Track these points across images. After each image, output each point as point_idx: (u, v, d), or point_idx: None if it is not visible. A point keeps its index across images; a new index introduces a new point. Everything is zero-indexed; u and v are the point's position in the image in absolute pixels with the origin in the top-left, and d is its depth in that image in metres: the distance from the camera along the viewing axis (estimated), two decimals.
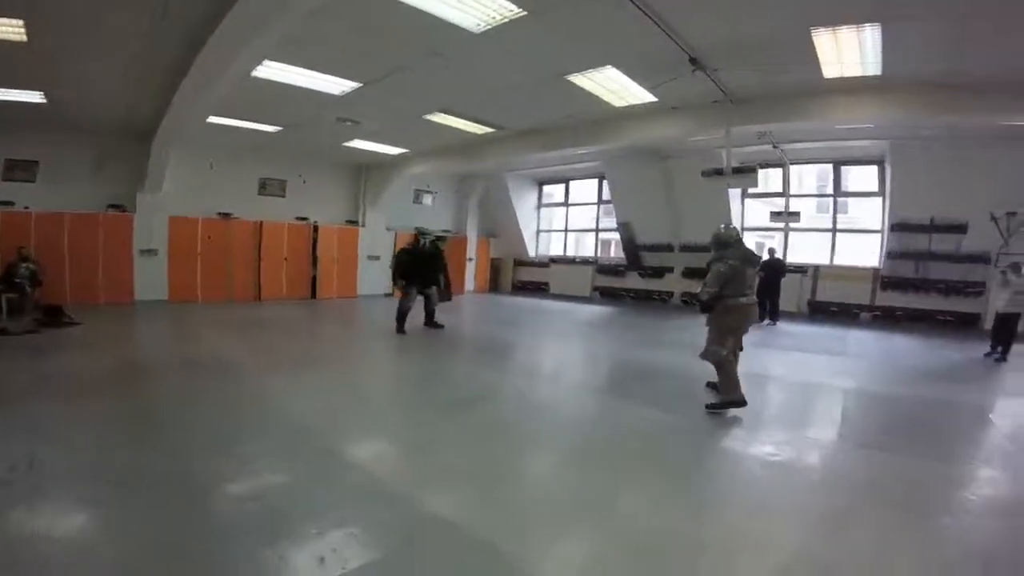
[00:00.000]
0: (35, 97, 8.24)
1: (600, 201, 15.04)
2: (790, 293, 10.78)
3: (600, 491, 2.96)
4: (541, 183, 16.65)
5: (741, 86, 7.50)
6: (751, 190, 11.45)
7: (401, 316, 8.19)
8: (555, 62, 7.22)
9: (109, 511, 2.50)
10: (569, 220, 16.47)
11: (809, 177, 11.80)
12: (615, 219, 14.05)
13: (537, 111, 9.39)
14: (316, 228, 13.34)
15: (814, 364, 6.94)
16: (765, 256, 10.40)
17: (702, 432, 4.11)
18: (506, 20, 6.00)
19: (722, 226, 4.88)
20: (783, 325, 9.93)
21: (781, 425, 4.38)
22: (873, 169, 10.86)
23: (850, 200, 12.53)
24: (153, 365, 6.00)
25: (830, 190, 11.88)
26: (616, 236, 14.49)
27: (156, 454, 3.24)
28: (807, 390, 5.74)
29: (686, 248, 12.70)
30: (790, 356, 7.46)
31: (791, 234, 11.65)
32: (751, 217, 12.50)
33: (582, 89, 8.02)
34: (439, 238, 9.11)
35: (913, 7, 5.08)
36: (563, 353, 8.00)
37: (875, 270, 10.55)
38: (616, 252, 15.34)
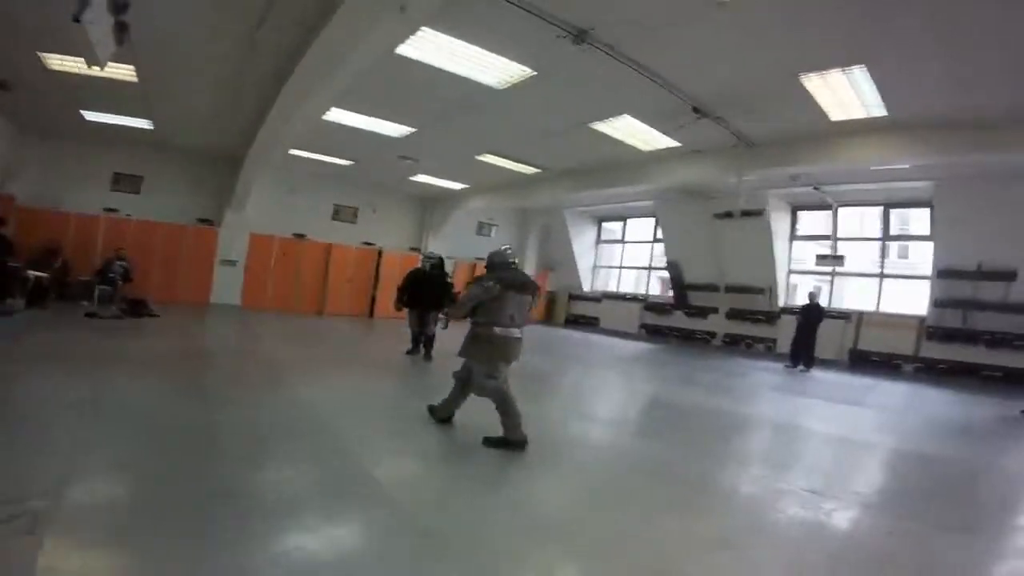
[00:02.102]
0: (144, 124, 10.06)
1: (654, 240, 15.28)
2: (830, 340, 10.47)
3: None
4: (601, 220, 17.13)
5: (753, 131, 7.78)
6: (799, 232, 11.38)
7: (414, 338, 8.15)
8: (575, 112, 7.93)
9: (144, 436, 3.47)
10: (625, 257, 16.79)
11: (873, 220, 11.34)
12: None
13: (572, 154, 10.10)
14: (380, 253, 14.44)
15: (826, 413, 6.68)
16: (804, 300, 10.28)
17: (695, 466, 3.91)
18: (521, 79, 6.84)
19: (502, 247, 4.41)
20: (817, 372, 9.68)
21: (779, 472, 4.06)
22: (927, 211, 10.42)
23: (911, 244, 11.91)
24: (207, 351, 7.28)
25: (893, 232, 11.41)
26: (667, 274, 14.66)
27: (187, 405, 4.31)
28: (808, 439, 5.40)
29: (731, 289, 12.63)
30: (804, 403, 7.24)
31: (846, 279, 11.34)
32: (802, 260, 12.26)
33: (607, 135, 8.63)
34: (440, 262, 8.66)
35: (888, 49, 5.24)
36: (594, 386, 8.10)
37: (920, 319, 10.00)
38: (668, 290, 15.46)
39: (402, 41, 5.98)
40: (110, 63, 6.85)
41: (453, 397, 4.31)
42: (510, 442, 3.83)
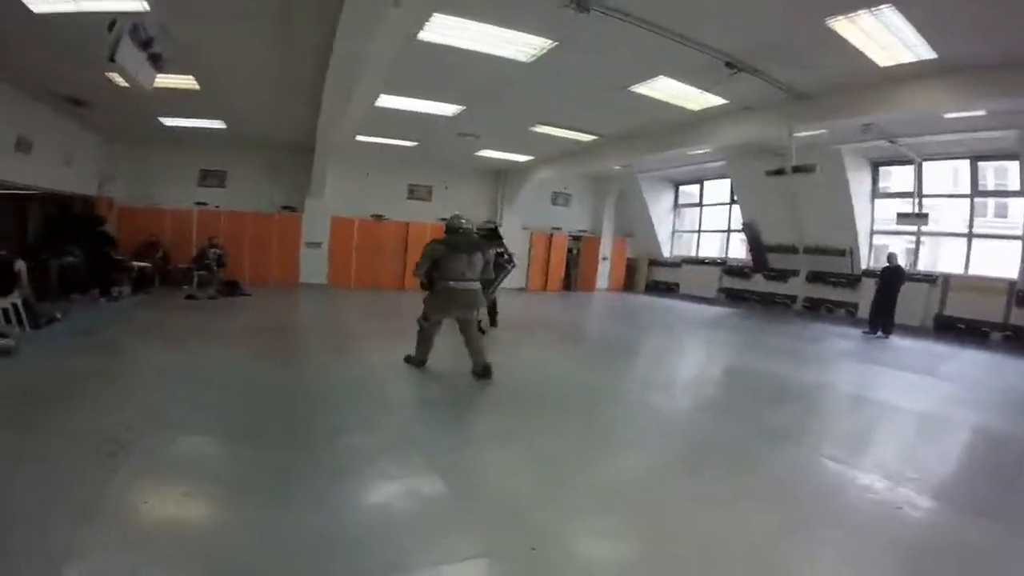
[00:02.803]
0: (218, 124, 11.15)
1: (732, 201, 14.48)
2: (914, 305, 9.50)
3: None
4: (677, 184, 16.49)
5: (800, 83, 7.19)
6: (881, 190, 10.30)
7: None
8: (609, 78, 7.75)
9: (227, 388, 4.54)
10: (704, 221, 16.09)
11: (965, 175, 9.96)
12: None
13: (623, 119, 9.84)
14: (497, 227, 15.06)
15: (895, 383, 6.27)
16: (884, 263, 9.41)
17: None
18: (545, 51, 6.83)
19: (454, 214, 5.58)
20: (896, 340, 8.89)
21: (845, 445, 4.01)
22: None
23: (1010, 201, 10.31)
24: (290, 325, 8.51)
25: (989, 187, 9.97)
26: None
27: (264, 366, 5.36)
28: (870, 410, 5.13)
29: (810, 250, 11.75)
30: (874, 371, 6.86)
31: (938, 240, 10.15)
32: (884, 218, 11.09)
33: (650, 98, 8.35)
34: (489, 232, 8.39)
35: None
36: (664, 352, 8.35)
37: (1011, 283, 8.74)
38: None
39: (419, 29, 6.23)
40: (172, 75, 7.86)
41: (420, 340, 5.41)
42: (410, 358, 5.45)
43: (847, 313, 11.27)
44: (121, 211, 12.01)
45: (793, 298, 12.38)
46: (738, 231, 14.03)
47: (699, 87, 7.59)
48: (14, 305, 6.40)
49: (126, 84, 8.13)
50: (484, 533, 2.44)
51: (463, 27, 6.35)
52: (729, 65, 6.71)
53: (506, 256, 8.69)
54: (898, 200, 10.65)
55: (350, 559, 2.19)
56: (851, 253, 10.97)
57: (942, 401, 5.42)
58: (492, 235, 9.04)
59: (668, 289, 16.34)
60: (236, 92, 9.11)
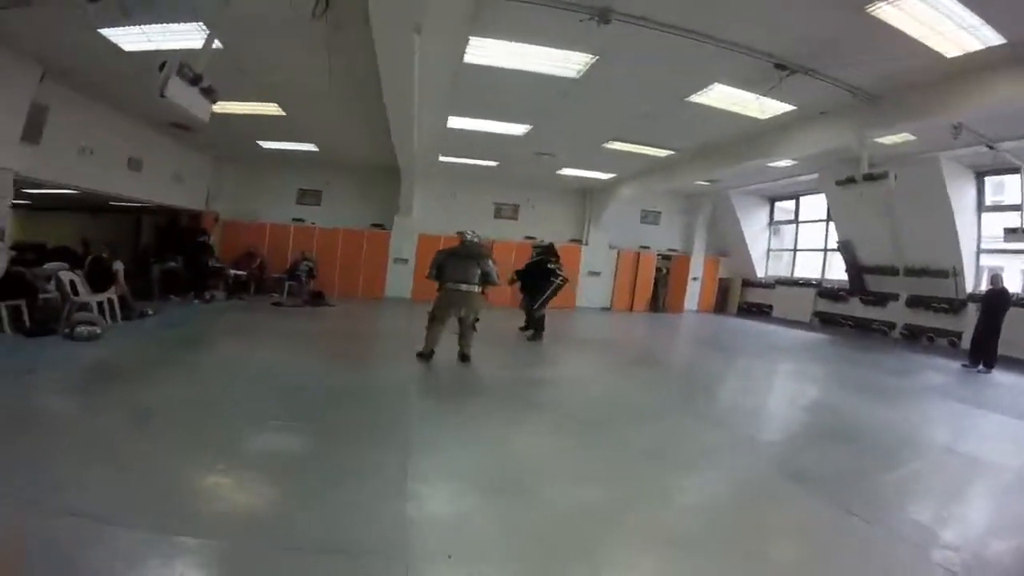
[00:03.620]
0: (310, 146, 12.27)
1: (829, 218, 13.41)
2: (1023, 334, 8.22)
3: None
4: (772, 200, 15.58)
5: (865, 83, 6.67)
6: (991, 203, 9.08)
7: (527, 317, 9.15)
8: (663, 88, 7.71)
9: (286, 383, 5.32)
10: (801, 239, 14.98)
11: None
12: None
13: (693, 132, 9.62)
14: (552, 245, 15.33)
15: (986, 429, 5.43)
16: (986, 285, 8.31)
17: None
18: (588, 65, 6.99)
19: (465, 230, 7.14)
20: (999, 375, 7.73)
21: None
22: None
23: None
24: (357, 332, 9.26)
25: None
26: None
27: (321, 365, 6.25)
28: (949, 462, 4.31)
29: (911, 272, 10.55)
30: (960, 412, 5.99)
31: None
32: (993, 236, 9.66)
33: (711, 107, 8.16)
34: (543, 250, 9.53)
35: None
36: (723, 379, 7.82)
37: None
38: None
39: (460, 52, 6.69)
40: (256, 102, 8.83)
41: (427, 333, 6.51)
42: (421, 354, 6.46)
43: (949, 343, 9.96)
44: (226, 225, 13.76)
45: (891, 325, 11.14)
46: (834, 250, 12.97)
47: (755, 92, 7.31)
48: (109, 300, 7.75)
49: (218, 110, 9.44)
50: None
51: (502, 48, 6.68)
52: (779, 67, 6.43)
53: (557, 272, 8.98)
54: (1008, 214, 9.30)
55: None
56: (955, 274, 9.72)
57: None
58: (547, 252, 9.39)
59: (760, 312, 15.40)
60: (317, 117, 10.01)
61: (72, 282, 7.50)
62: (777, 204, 15.68)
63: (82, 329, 6.50)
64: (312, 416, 4.28)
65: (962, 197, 9.61)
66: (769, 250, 15.96)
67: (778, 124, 8.53)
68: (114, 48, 6.60)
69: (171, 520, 2.45)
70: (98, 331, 6.62)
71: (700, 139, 10.11)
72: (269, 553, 2.33)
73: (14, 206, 14.42)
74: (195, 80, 4.73)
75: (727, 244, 16.67)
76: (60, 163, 8.56)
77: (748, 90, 7.40)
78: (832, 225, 13.10)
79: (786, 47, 6.11)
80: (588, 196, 16.30)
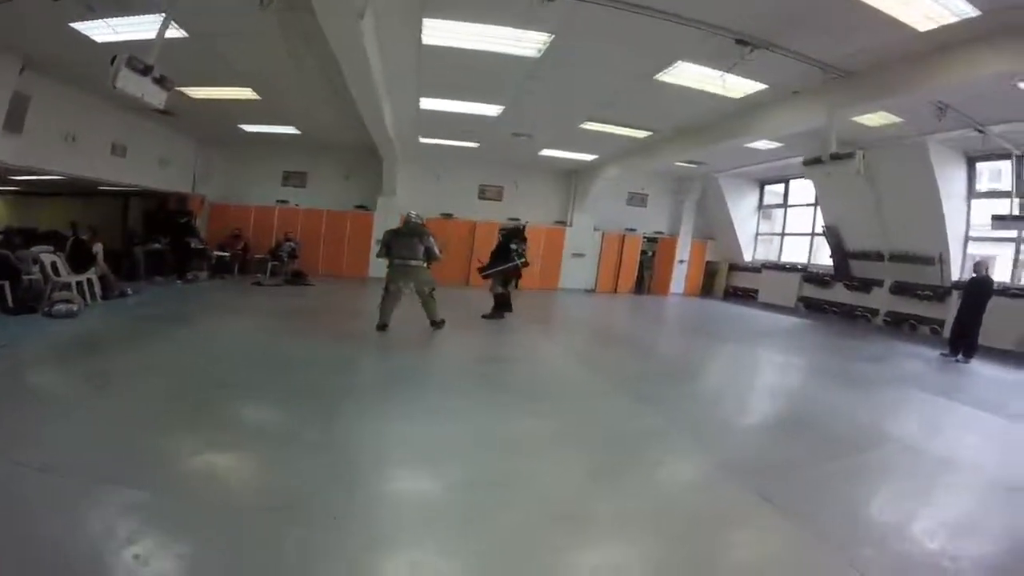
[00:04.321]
0: (291, 129, 12.07)
1: (816, 202, 12.97)
2: (1008, 324, 7.86)
3: None
4: (762, 183, 15.12)
5: (839, 61, 6.30)
6: (977, 190, 8.67)
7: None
8: (626, 66, 7.34)
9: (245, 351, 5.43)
10: (790, 223, 14.55)
11: None
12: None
13: (667, 112, 9.24)
14: (524, 227, 14.99)
15: (941, 419, 5.19)
16: (970, 273, 7.95)
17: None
18: (547, 44, 6.65)
19: (408, 211, 7.83)
20: (978, 366, 7.40)
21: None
22: None
23: None
24: (323, 308, 9.43)
25: None
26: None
27: (280, 336, 6.61)
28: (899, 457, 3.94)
29: (896, 257, 10.16)
30: (929, 404, 5.66)
31: None
32: (983, 224, 9.21)
33: (679, 86, 7.79)
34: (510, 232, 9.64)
35: None
36: (683, 359, 7.75)
37: None
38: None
39: (417, 35, 6.49)
40: (231, 87, 8.82)
41: (381, 304, 7.17)
42: (379, 326, 7.07)
43: (931, 331, 9.62)
44: (213, 207, 13.59)
45: (875, 311, 10.79)
46: (820, 235, 12.56)
47: (719, 69, 6.92)
48: (89, 280, 7.93)
49: (198, 95, 9.28)
50: None
51: (458, 28, 6.39)
52: (740, 43, 6.05)
53: (519, 253, 8.81)
54: (997, 200, 8.86)
55: None
56: (940, 262, 9.33)
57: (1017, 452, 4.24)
58: (514, 233, 9.18)
59: (747, 296, 15.06)
60: (291, 101, 9.81)
61: (54, 263, 7.70)
62: (767, 187, 15.22)
63: (60, 307, 6.81)
64: (250, 383, 4.62)
65: (951, 182, 9.16)
66: (757, 234, 15.55)
67: (752, 104, 8.17)
68: (87, 40, 6.70)
69: (104, 470, 2.72)
70: (75, 308, 6.92)
71: (676, 120, 9.75)
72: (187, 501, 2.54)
73: (4, 192, 14.61)
74: (145, 71, 4.94)
75: (715, 227, 16.27)
76: (44, 151, 8.69)
77: (712, 67, 7.01)
78: (819, 209, 12.66)
79: (746, 22, 5.77)
80: (573, 178, 15.92)
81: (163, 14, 5.56)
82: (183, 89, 9.04)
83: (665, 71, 7.34)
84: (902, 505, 3.09)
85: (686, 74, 7.37)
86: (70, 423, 3.31)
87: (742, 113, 8.53)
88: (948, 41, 5.46)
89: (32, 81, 7.86)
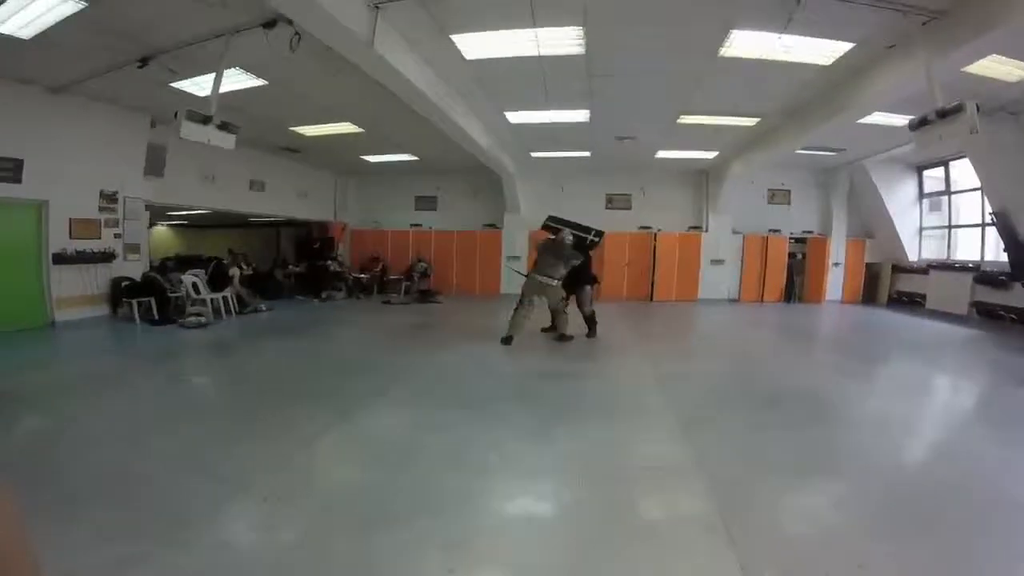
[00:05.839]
0: (409, 156, 13.09)
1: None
2: None
3: None
4: (920, 168, 12.74)
5: None
6: None
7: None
8: (685, 46, 6.88)
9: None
10: (956, 213, 11.96)
11: None
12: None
13: (757, 92, 8.40)
14: (655, 236, 14.38)
15: None
16: None
17: None
18: (584, 35, 6.53)
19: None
20: None
21: None
22: None
23: None
24: (440, 323, 9.80)
25: None
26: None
27: (393, 348, 7.24)
28: None
29: None
30: None
31: None
32: None
33: (754, 59, 7.10)
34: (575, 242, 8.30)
35: None
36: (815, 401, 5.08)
37: None
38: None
39: (456, 53, 6.89)
40: (332, 124, 9.98)
41: (512, 318, 7.60)
42: (505, 338, 7.38)
43: None
44: (354, 233, 15.58)
45: None
46: (990, 224, 10.21)
47: (775, 31, 6.22)
48: (224, 298, 9.64)
49: (311, 133, 10.58)
50: None
51: (487, 40, 6.63)
52: None
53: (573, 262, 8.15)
54: None
55: None
56: None
57: None
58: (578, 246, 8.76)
59: (912, 302, 12.71)
60: (390, 128, 10.57)
61: (195, 284, 9.47)
62: (925, 173, 12.77)
63: (191, 319, 8.52)
64: (332, 390, 5.05)
65: None
66: (922, 228, 13.09)
67: (847, 69, 7.14)
68: (190, 95, 7.73)
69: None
70: (203, 320, 8.58)
71: (774, 99, 8.81)
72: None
73: (174, 225, 18.29)
74: (205, 120, 5.74)
75: (872, 223, 14.05)
76: (186, 190, 10.67)
77: (768, 31, 6.32)
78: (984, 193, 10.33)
79: None
80: (703, 179, 14.96)
81: (235, 68, 6.66)
82: (296, 129, 10.56)
83: (726, 45, 6.78)
84: None
85: (749, 44, 6.74)
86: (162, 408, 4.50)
87: (842, 82, 7.51)
88: None
89: (165, 133, 9.16)
